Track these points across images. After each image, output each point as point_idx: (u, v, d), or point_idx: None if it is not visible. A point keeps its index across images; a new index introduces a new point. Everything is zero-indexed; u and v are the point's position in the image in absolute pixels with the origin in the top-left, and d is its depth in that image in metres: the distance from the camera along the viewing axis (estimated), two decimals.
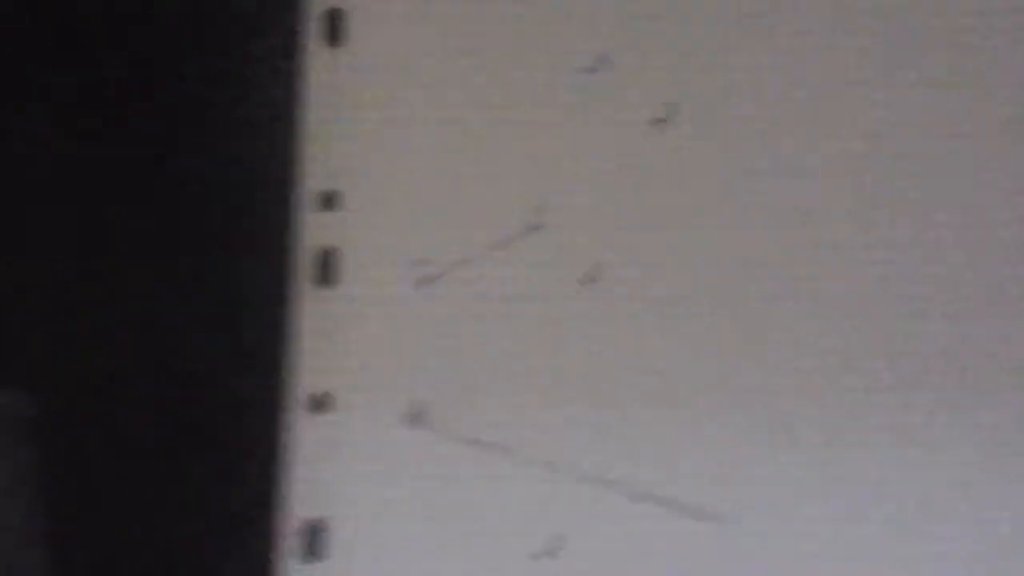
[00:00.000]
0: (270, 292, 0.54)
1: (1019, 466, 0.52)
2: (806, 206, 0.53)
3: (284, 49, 0.56)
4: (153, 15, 0.56)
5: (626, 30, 0.55)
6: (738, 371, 0.53)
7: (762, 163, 0.54)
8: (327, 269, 0.55)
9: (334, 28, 0.56)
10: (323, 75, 0.56)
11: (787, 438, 0.52)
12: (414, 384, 0.54)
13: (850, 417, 0.52)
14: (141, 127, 0.56)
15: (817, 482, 0.52)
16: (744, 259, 0.53)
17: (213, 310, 0.55)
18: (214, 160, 0.56)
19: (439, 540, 0.53)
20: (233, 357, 0.54)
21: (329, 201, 0.55)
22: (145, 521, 0.54)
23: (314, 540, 0.53)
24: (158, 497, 0.54)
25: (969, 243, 0.53)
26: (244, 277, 0.55)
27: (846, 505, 0.52)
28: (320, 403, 0.54)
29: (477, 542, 0.53)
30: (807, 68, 0.54)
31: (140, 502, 0.54)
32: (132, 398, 0.55)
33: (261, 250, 0.55)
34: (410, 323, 0.54)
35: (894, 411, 0.52)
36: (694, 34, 0.54)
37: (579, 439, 0.53)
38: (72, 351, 0.55)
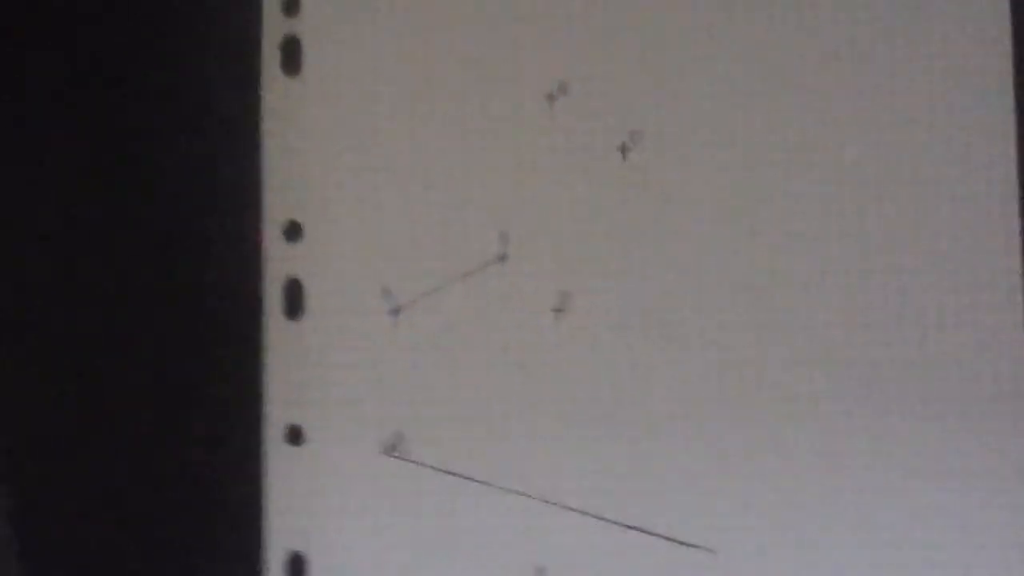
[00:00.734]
0: (240, 325, 0.55)
1: (993, 484, 0.53)
2: (773, 230, 0.54)
3: (243, 79, 0.55)
4: (110, 44, 0.55)
5: (586, 56, 0.55)
6: (712, 399, 0.53)
7: (727, 189, 0.54)
8: (294, 300, 0.55)
9: (291, 57, 0.55)
10: (281, 104, 0.55)
11: (765, 466, 0.53)
12: (388, 414, 0.54)
13: (828, 445, 0.53)
14: (99, 160, 0.55)
15: (796, 510, 0.53)
16: (713, 284, 0.54)
17: (183, 345, 0.54)
18: (175, 194, 0.55)
19: (417, 572, 0.53)
20: (206, 391, 0.54)
21: (292, 232, 0.55)
22: (125, 559, 0.54)
23: (294, 573, 0.53)
24: (137, 535, 0.54)
25: (932, 262, 0.54)
26: (212, 310, 0.54)
27: (824, 534, 0.53)
28: (294, 435, 0.54)
29: (456, 574, 0.53)
30: (770, 91, 0.54)
31: (118, 540, 0.54)
32: (103, 436, 0.54)
33: (228, 283, 0.55)
34: (381, 353, 0.54)
35: (870, 439, 0.53)
36: (656, 60, 0.54)
37: (556, 468, 0.53)
38: (35, 385, 0.54)
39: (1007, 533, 0.52)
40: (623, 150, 0.55)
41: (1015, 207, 0.53)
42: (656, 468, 0.53)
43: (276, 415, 0.54)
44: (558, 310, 0.54)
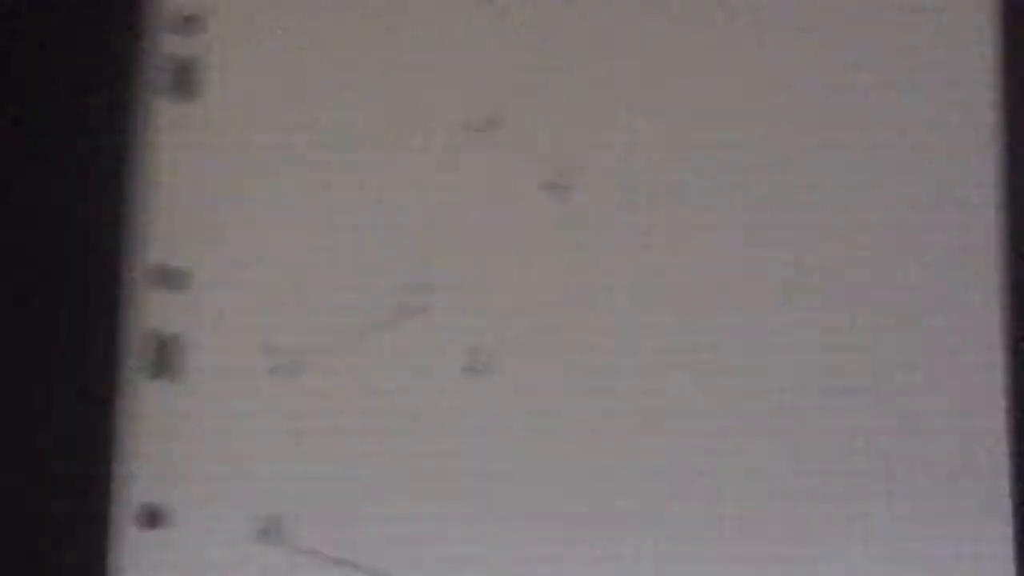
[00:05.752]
0: (95, 385, 0.48)
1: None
2: (710, 283, 0.49)
3: (119, 103, 0.50)
4: None
5: (518, 86, 0.50)
6: (638, 472, 0.48)
7: (663, 234, 0.50)
8: (166, 359, 0.49)
9: (185, 80, 0.50)
10: (170, 133, 0.50)
11: (685, 549, 0.48)
12: (265, 494, 0.48)
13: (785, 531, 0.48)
14: None
15: None
16: (647, 347, 0.49)
17: (26, 407, 0.48)
18: (34, 229, 0.49)
19: None
20: (49, 464, 0.47)
21: (173, 279, 0.49)
22: None
23: None
24: None
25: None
26: (64, 367, 0.48)
27: None
28: (151, 517, 0.48)
29: None
30: (707, 133, 0.50)
31: None
32: None
33: (85, 335, 0.48)
34: (259, 421, 0.48)
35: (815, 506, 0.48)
36: (588, 95, 0.50)
37: (462, 556, 0.47)
38: None
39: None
40: (554, 188, 0.50)
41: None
42: (582, 555, 0.47)
43: (130, 493, 0.47)
44: (470, 369, 0.49)
